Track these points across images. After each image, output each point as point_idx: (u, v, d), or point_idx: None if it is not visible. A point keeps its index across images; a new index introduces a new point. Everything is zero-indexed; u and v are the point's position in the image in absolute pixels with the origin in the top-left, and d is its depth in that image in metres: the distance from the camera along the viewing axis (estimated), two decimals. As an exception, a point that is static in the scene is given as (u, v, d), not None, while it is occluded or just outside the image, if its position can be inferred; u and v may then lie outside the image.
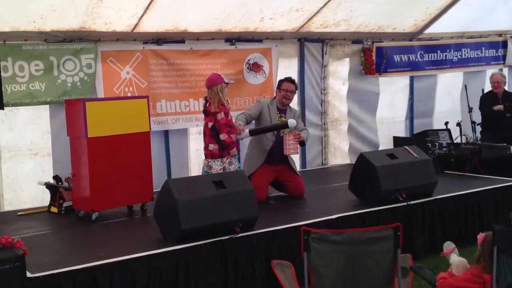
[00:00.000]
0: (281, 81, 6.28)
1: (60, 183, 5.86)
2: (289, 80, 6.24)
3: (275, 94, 6.37)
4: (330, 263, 3.52)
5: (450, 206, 5.78)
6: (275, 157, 6.03)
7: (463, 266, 3.63)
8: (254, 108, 6.14)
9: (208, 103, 5.53)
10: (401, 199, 5.45)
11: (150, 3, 6.14)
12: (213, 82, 5.51)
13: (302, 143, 6.09)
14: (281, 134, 6.02)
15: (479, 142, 7.49)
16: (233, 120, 5.76)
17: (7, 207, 6.13)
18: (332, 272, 3.51)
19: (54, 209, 5.76)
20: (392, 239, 3.52)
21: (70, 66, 6.30)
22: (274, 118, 6.07)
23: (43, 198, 6.10)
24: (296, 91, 6.38)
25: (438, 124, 9.06)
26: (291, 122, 5.77)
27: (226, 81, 5.57)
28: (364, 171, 5.64)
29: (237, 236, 4.53)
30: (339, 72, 8.44)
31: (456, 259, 3.79)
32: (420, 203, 5.58)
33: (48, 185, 5.89)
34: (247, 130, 5.88)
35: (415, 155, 5.88)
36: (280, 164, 6.07)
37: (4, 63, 5.83)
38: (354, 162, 6.00)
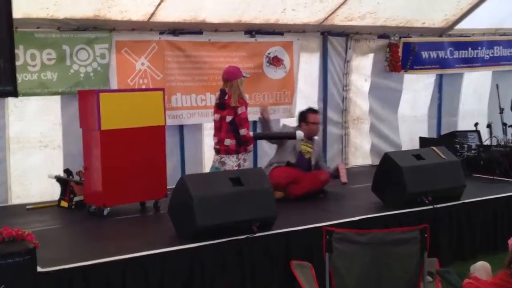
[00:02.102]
0: (304, 113, 6.46)
1: (71, 177, 5.94)
2: (313, 111, 6.52)
3: (297, 124, 6.52)
4: (353, 265, 3.54)
5: (478, 211, 5.78)
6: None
7: (484, 270, 3.64)
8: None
9: (227, 96, 5.56)
10: (426, 202, 5.45)
11: (168, -10, 6.21)
12: (233, 76, 5.55)
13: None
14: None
15: (511, 144, 7.44)
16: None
17: (15, 200, 6.22)
18: (354, 274, 3.53)
19: (64, 204, 5.84)
20: (418, 241, 3.53)
21: (84, 56, 6.37)
22: (299, 146, 6.27)
23: (52, 191, 6.17)
24: None
25: (462, 124, 9.04)
26: (299, 134, 5.90)
27: (244, 75, 5.62)
28: (389, 172, 5.65)
29: (255, 235, 4.57)
30: (362, 68, 8.44)
31: (477, 264, 3.79)
32: (447, 207, 5.59)
33: (58, 179, 5.97)
34: (251, 133, 5.90)
35: (443, 157, 5.87)
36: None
37: (15, 51, 5.85)
38: (375, 163, 6.01)
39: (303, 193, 6.04)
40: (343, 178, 6.32)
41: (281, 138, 6.22)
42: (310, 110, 6.50)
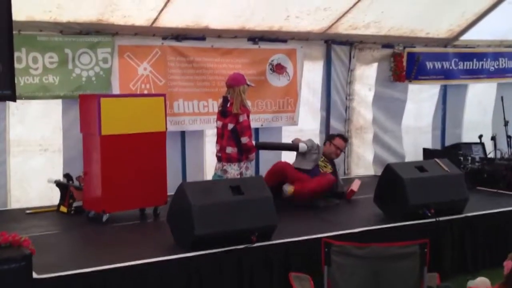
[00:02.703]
0: (334, 136, 6.82)
1: (71, 182, 5.92)
2: (343, 138, 6.79)
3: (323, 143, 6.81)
4: (352, 279, 3.52)
5: (482, 225, 5.74)
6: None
7: (484, 286, 3.61)
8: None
9: (229, 103, 5.55)
10: (429, 214, 5.41)
11: (172, -4, 6.21)
12: (237, 82, 5.54)
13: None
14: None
15: (515, 158, 7.43)
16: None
17: (15, 204, 6.21)
18: (353, 289, 3.51)
19: (63, 209, 5.82)
20: (418, 256, 3.50)
21: (86, 60, 6.37)
22: (317, 160, 6.36)
23: (52, 196, 6.16)
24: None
25: (466, 136, 9.01)
26: (302, 146, 6.04)
27: (248, 83, 5.60)
28: (391, 183, 5.62)
29: (254, 245, 4.54)
30: (366, 77, 8.42)
31: (477, 279, 3.76)
32: (449, 220, 5.55)
33: (58, 183, 5.96)
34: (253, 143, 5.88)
35: (446, 169, 5.84)
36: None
37: (18, 54, 5.88)
38: (378, 174, 5.99)
39: (309, 192, 6.05)
40: (353, 187, 6.43)
41: (283, 149, 6.22)
42: (341, 136, 6.92)
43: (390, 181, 5.63)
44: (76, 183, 5.90)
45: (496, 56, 9.16)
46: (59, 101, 6.38)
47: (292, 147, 6.04)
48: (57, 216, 5.76)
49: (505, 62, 9.26)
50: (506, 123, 8.06)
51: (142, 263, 4.18)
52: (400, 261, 3.51)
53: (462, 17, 8.23)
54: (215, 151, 5.85)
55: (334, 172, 6.58)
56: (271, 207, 4.81)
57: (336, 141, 6.71)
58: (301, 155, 6.33)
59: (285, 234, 4.84)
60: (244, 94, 5.55)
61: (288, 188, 6.02)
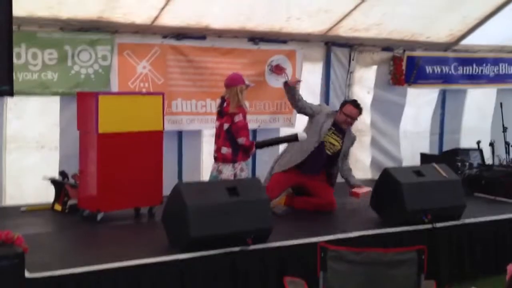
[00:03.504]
0: (344, 103, 6.30)
1: (66, 180, 5.87)
2: (353, 103, 6.20)
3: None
4: (347, 285, 3.48)
5: (479, 232, 5.70)
6: (311, 165, 6.00)
7: None
8: (313, 106, 6.15)
9: (225, 103, 5.51)
10: (426, 220, 5.36)
11: (173, -6, 6.16)
12: (234, 82, 5.48)
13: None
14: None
15: (513, 164, 7.39)
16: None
17: (9, 201, 6.15)
18: (349, 295, 3.47)
19: (58, 207, 5.77)
20: (415, 263, 3.47)
21: (85, 57, 6.31)
22: (325, 131, 6.01)
23: (47, 193, 6.09)
24: (358, 117, 6.25)
25: (465, 142, 8.97)
26: (301, 136, 5.71)
27: (247, 83, 5.55)
28: (388, 188, 5.58)
29: (249, 248, 4.49)
30: (366, 80, 8.37)
31: None
32: (446, 226, 5.51)
33: (53, 181, 5.90)
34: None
35: (444, 174, 5.80)
36: (314, 175, 6.08)
37: (17, 50, 5.84)
38: (375, 178, 5.94)
39: (305, 208, 5.99)
40: (361, 190, 6.04)
41: (282, 142, 6.12)
42: (352, 102, 6.25)
43: (388, 186, 5.59)
44: (71, 181, 5.85)
45: (496, 61, 9.12)
46: (57, 98, 6.32)
47: (290, 138, 5.92)
48: (51, 215, 5.70)
49: (505, 68, 9.23)
50: (504, 130, 8.02)
51: (136, 264, 4.14)
52: (397, 268, 3.47)
53: (463, 21, 8.18)
54: (212, 151, 5.80)
55: (342, 150, 6.11)
56: (267, 210, 4.78)
57: (346, 108, 6.09)
58: (291, 147, 6.16)
59: (281, 237, 4.79)
60: (242, 94, 5.48)
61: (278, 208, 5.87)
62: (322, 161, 6.06)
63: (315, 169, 6.06)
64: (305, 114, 6.17)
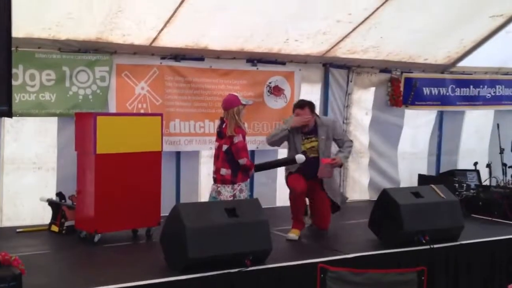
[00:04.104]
0: (293, 108, 6.21)
1: (63, 201, 5.86)
2: (297, 106, 6.12)
3: None
4: (347, 306, 3.46)
5: (476, 253, 5.69)
6: (306, 174, 5.97)
7: None
8: (284, 132, 6.02)
9: (224, 124, 5.52)
10: (424, 241, 5.37)
11: (172, 16, 6.20)
12: (230, 104, 5.50)
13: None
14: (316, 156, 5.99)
15: (510, 186, 7.39)
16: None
17: (6, 222, 6.14)
18: (348, 316, 3.45)
19: (55, 228, 5.75)
20: (415, 284, 3.47)
21: (83, 78, 6.35)
22: (299, 144, 6.01)
23: (44, 214, 6.10)
24: (312, 113, 6.10)
25: (463, 163, 8.99)
26: (299, 157, 5.72)
27: (243, 102, 5.55)
28: (386, 209, 5.58)
29: (247, 269, 4.48)
30: (364, 101, 8.43)
31: None
32: (444, 247, 5.50)
33: (50, 202, 5.89)
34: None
35: (442, 195, 5.81)
36: (312, 181, 6.02)
37: (15, 70, 5.86)
38: (373, 198, 5.95)
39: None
40: (327, 160, 5.96)
41: (281, 165, 6.14)
42: (294, 104, 6.20)
43: (386, 207, 5.59)
44: (68, 202, 5.83)
45: (492, 83, 9.20)
46: (55, 119, 6.34)
47: (288, 160, 5.94)
48: (48, 236, 5.69)
49: (501, 90, 9.30)
50: (501, 151, 8.06)
51: (134, 286, 4.11)
52: (397, 289, 3.46)
53: (460, 44, 8.27)
54: (210, 172, 5.81)
55: (323, 142, 6.03)
56: (266, 231, 4.76)
57: (295, 111, 6.05)
58: (289, 151, 6.14)
59: (280, 258, 4.79)
60: (239, 115, 5.50)
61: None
62: (313, 165, 5.98)
63: (312, 174, 6.00)
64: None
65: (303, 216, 6.05)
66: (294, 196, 5.90)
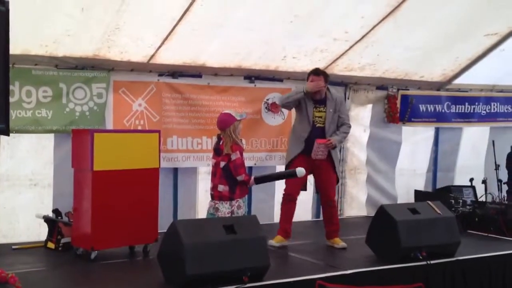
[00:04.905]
0: (308, 75, 6.24)
1: (59, 217, 5.84)
2: (313, 72, 6.17)
3: None
4: (346, 323, 3.46)
5: (473, 269, 5.70)
6: (311, 149, 6.05)
7: None
8: (297, 96, 6.11)
9: (221, 141, 5.54)
10: (420, 257, 5.38)
11: (170, 33, 6.24)
12: (225, 124, 5.49)
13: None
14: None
15: (506, 202, 7.42)
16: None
17: (2, 239, 6.11)
18: (347, 333, 3.45)
19: (51, 245, 5.72)
20: (414, 301, 3.47)
21: (80, 95, 6.36)
22: (311, 113, 6.09)
23: (40, 231, 6.08)
24: (326, 82, 6.15)
25: (459, 180, 9.02)
26: (300, 171, 5.65)
27: (238, 118, 5.55)
28: (384, 225, 5.59)
29: (245, 286, 4.47)
30: (361, 118, 8.47)
31: None
32: (441, 263, 5.51)
33: (46, 219, 5.87)
34: (252, 178, 5.80)
35: (438, 212, 5.84)
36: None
37: (11, 87, 5.84)
38: (371, 215, 5.96)
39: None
40: (312, 153, 6.02)
41: (281, 178, 6.16)
42: (312, 72, 6.20)
43: (383, 223, 5.61)
44: (65, 219, 5.82)
45: (488, 100, 9.27)
46: (51, 136, 6.34)
47: (289, 174, 5.95)
48: (44, 253, 5.66)
49: (496, 107, 9.37)
50: (497, 167, 8.11)
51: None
52: (395, 306, 3.47)
53: (455, 61, 8.35)
54: (208, 189, 5.80)
55: (330, 114, 6.10)
56: (264, 247, 4.77)
57: (310, 79, 6.12)
58: (293, 140, 6.25)
59: (277, 274, 4.78)
60: (235, 132, 5.50)
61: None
62: (319, 136, 6.07)
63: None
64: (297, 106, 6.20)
65: (290, 226, 6.14)
66: (285, 200, 6.15)
